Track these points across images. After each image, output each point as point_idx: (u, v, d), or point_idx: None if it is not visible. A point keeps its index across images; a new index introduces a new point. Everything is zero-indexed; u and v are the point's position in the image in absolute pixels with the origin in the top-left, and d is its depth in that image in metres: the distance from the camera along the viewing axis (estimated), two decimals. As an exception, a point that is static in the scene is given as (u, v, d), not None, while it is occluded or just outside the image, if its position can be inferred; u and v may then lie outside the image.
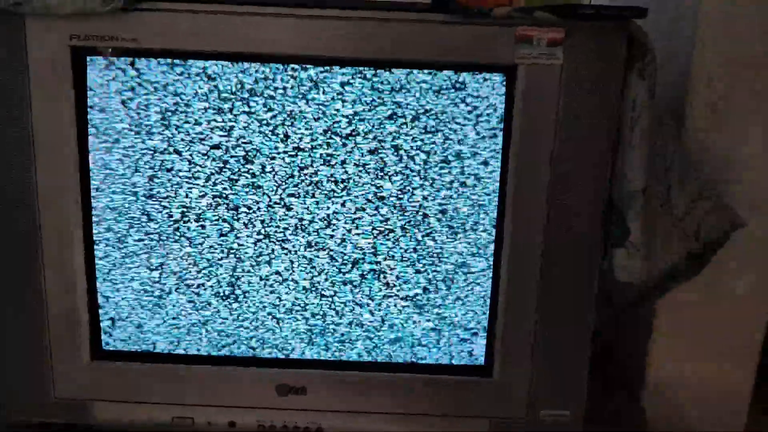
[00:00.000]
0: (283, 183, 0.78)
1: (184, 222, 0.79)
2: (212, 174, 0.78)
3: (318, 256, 0.81)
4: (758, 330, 0.95)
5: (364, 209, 0.79)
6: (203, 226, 0.80)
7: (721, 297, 0.94)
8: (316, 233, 0.80)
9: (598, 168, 0.78)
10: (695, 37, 0.86)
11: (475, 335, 0.84)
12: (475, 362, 0.85)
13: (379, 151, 0.77)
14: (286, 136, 0.77)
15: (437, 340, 0.84)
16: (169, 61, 0.75)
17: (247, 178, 0.78)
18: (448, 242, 0.81)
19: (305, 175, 0.78)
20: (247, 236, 0.80)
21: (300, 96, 0.76)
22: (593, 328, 0.84)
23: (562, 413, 0.85)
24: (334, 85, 0.76)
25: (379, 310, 0.83)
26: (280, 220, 0.79)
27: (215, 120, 0.76)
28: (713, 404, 0.98)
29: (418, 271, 0.81)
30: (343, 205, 0.79)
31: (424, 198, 0.79)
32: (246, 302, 0.82)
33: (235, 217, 0.79)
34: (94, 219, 0.79)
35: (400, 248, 0.81)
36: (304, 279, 0.81)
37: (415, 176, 0.78)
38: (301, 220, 0.79)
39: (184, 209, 0.79)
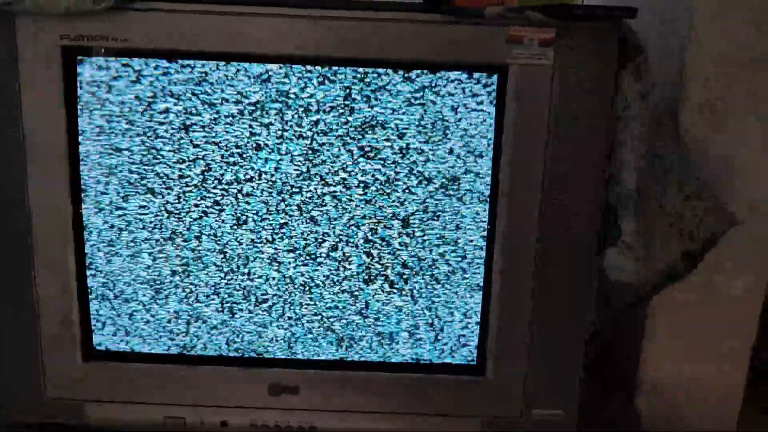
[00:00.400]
0: (274, 181, 0.78)
1: (177, 222, 0.79)
2: (203, 172, 0.78)
3: (310, 256, 0.81)
4: (753, 331, 0.95)
5: (356, 209, 0.79)
6: (195, 226, 0.80)
7: (717, 298, 0.94)
8: (307, 231, 0.80)
9: (594, 168, 0.78)
10: (690, 37, 0.86)
11: (468, 334, 0.84)
12: (468, 361, 0.85)
13: (371, 150, 0.77)
14: (279, 135, 0.77)
15: (430, 338, 0.84)
16: (159, 60, 0.75)
17: (237, 175, 0.78)
18: (442, 241, 0.80)
19: (296, 173, 0.78)
20: (239, 236, 0.80)
21: (290, 95, 0.76)
22: (593, 329, 0.84)
23: (556, 413, 0.85)
24: (325, 85, 0.75)
25: (372, 310, 0.83)
26: (270, 219, 0.79)
27: (207, 119, 0.76)
28: (709, 404, 0.98)
29: (412, 271, 0.81)
30: (335, 205, 0.79)
31: (417, 198, 0.79)
32: (238, 302, 0.82)
33: (228, 217, 0.79)
34: (86, 218, 0.79)
35: (393, 248, 0.80)
36: (297, 278, 0.81)
37: (407, 177, 0.78)
38: (291, 218, 0.79)
39: (176, 209, 0.79)
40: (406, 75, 0.76)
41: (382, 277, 0.81)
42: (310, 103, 0.76)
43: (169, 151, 0.77)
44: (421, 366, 0.85)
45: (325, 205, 0.79)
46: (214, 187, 0.78)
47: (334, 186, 0.78)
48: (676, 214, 0.86)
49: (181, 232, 0.80)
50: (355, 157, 0.78)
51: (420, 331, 0.84)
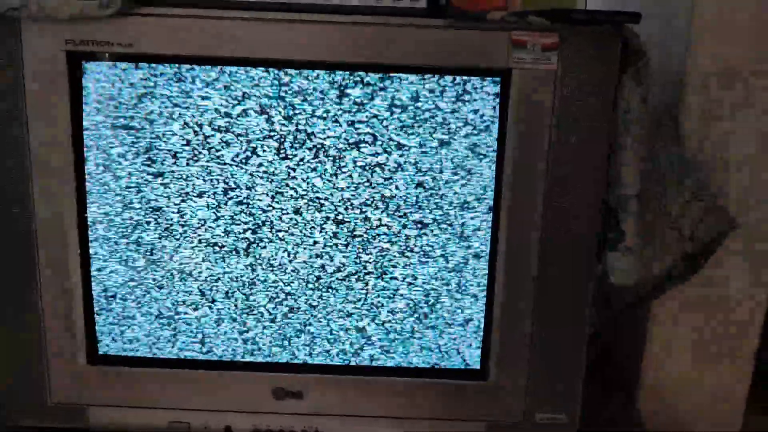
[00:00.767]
0: (281, 185, 0.78)
1: (181, 225, 0.80)
2: (209, 176, 0.78)
3: (314, 260, 0.81)
4: (755, 332, 0.95)
5: (359, 211, 0.79)
6: (201, 230, 0.80)
7: (717, 299, 0.94)
8: (311, 237, 0.80)
9: (595, 171, 0.78)
10: (689, 40, 0.86)
11: (470, 338, 0.84)
12: (470, 366, 0.85)
13: (374, 154, 0.78)
14: (283, 140, 0.77)
15: (433, 343, 0.84)
16: (164, 66, 0.75)
17: (244, 179, 0.78)
18: (444, 245, 0.81)
19: (300, 178, 0.78)
20: (243, 240, 0.80)
21: (295, 100, 0.76)
22: (593, 330, 0.84)
23: (558, 417, 0.85)
24: (328, 90, 0.76)
25: (375, 314, 0.83)
26: (275, 223, 0.79)
27: (213, 124, 0.77)
28: (710, 406, 0.98)
29: (414, 275, 0.82)
30: (338, 208, 0.79)
31: (419, 201, 0.79)
32: (243, 306, 0.82)
33: (233, 220, 0.79)
34: (91, 223, 0.79)
35: (396, 252, 0.81)
36: (301, 282, 0.82)
37: (409, 180, 0.78)
38: (296, 224, 0.80)
39: (181, 212, 0.79)
40: (408, 79, 0.76)
41: (386, 282, 0.82)
42: (313, 108, 0.76)
43: (176, 153, 0.77)
44: (425, 371, 0.85)
45: (324, 211, 0.79)
46: (220, 191, 0.79)
47: (338, 189, 0.79)
48: (676, 215, 0.86)
49: (187, 236, 0.80)
50: (357, 161, 0.78)
51: (423, 336, 0.84)
